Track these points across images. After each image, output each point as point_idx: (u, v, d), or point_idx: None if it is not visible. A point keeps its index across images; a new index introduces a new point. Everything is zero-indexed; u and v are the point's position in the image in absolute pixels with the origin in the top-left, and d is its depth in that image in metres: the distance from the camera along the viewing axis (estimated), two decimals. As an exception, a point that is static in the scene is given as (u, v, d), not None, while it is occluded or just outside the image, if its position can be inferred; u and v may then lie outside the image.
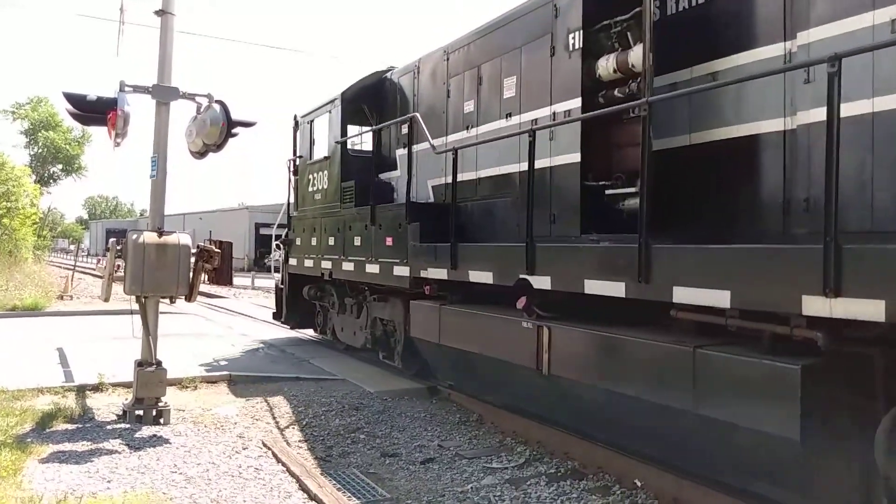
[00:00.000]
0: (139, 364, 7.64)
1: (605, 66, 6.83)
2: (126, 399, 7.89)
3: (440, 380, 9.32)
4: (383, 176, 10.88)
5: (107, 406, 8.06)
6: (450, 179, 8.13)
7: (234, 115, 7.87)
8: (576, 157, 6.85)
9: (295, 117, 13.50)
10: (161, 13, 7.87)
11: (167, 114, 7.89)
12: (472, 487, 5.88)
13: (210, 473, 5.97)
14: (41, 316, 17.97)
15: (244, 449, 6.73)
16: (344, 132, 11.50)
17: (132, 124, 7.74)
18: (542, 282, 6.43)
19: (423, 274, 8.44)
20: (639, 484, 5.70)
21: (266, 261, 57.25)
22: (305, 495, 5.53)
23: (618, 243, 5.81)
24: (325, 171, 11.86)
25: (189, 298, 7.90)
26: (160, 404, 7.56)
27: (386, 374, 10.53)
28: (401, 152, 10.38)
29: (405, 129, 10.16)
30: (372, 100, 11.45)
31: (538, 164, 6.88)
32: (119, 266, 7.70)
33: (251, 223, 64.91)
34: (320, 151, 12.39)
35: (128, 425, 7.32)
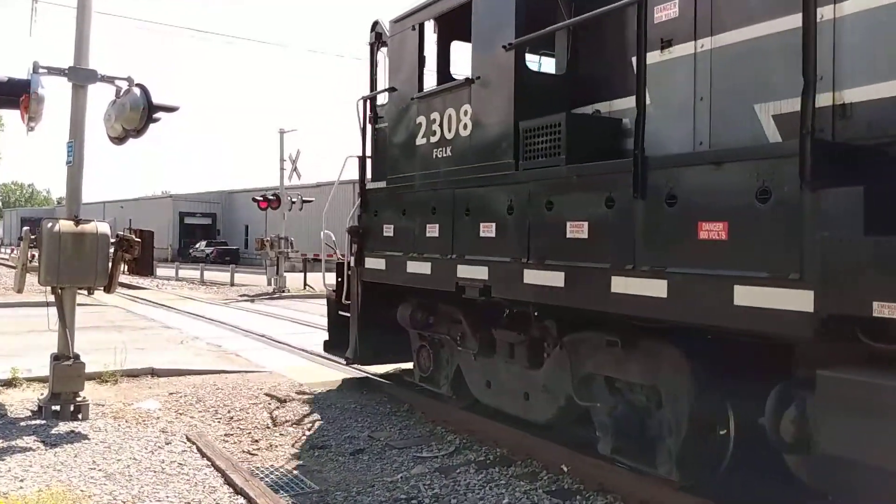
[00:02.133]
0: (55, 358, 7.36)
1: None
2: (42, 394, 7.59)
3: None
4: (591, 109, 6.17)
5: (20, 402, 7.74)
6: (850, 96, 4.25)
7: (156, 100, 7.62)
8: None
9: (375, 26, 8.51)
10: (78, -8, 7.56)
11: (84, 97, 7.60)
12: (401, 477, 5.89)
13: (131, 469, 5.80)
14: (-52, 309, 17.11)
15: (167, 444, 6.55)
16: (520, 29, 6.13)
17: (48, 108, 7.43)
18: None
19: (886, 312, 3.55)
20: (565, 469, 5.81)
21: (191, 251, 56.33)
22: (231, 490, 5.42)
23: None
24: (466, 108, 6.70)
25: (108, 290, 7.65)
26: (78, 399, 7.30)
27: (315, 366, 10.44)
28: (655, 58, 5.33)
29: (668, 12, 5.42)
30: None
31: None
32: (33, 256, 7.40)
33: (175, 212, 63.58)
34: (442, 74, 7.62)
35: (43, 421, 7.04)
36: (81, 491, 5.26)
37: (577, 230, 5.30)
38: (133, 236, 7.74)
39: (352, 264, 8.43)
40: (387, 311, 8.10)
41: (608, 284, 4.96)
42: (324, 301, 10.02)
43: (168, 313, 18.50)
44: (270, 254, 26.59)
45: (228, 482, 5.55)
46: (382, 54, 8.41)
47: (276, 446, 6.78)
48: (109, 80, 7.74)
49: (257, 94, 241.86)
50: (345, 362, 9.06)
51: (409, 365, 8.53)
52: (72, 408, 7.23)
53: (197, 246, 57.28)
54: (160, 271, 32.86)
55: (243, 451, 6.56)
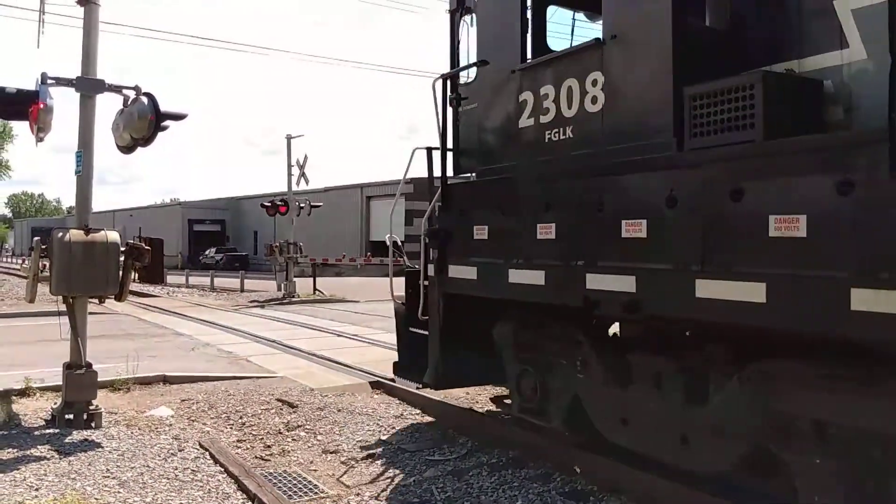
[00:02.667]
0: (68, 367, 7.39)
1: None
2: (55, 403, 7.62)
3: None
4: (782, 69, 4.75)
5: (34, 411, 7.77)
6: None
7: (163, 108, 7.65)
8: None
9: None
10: (84, 3, 7.59)
11: (93, 107, 7.63)
12: (414, 480, 5.88)
13: (145, 477, 5.81)
14: (-38, 319, 17.23)
15: (180, 451, 6.57)
16: None
17: (56, 118, 7.46)
18: None
19: None
20: (578, 471, 5.79)
21: (201, 258, 56.50)
22: (245, 496, 5.43)
23: None
24: (596, 76, 5.38)
25: (119, 298, 7.67)
26: (91, 407, 7.32)
27: (326, 371, 10.44)
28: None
29: None
30: None
31: None
32: (44, 266, 7.44)
33: (184, 220, 63.81)
34: (537, 46, 6.52)
35: (57, 430, 7.06)
36: (96, 499, 5.28)
37: (787, 226, 3.99)
38: (143, 244, 7.75)
39: (430, 273, 7.03)
40: (471, 328, 6.83)
41: (845, 299, 3.69)
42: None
43: (179, 320, 18.56)
44: (280, 259, 26.66)
45: (242, 488, 5.56)
46: (465, 23, 7.00)
47: (289, 451, 6.78)
48: (117, 89, 7.77)
49: (262, 99, 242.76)
50: (418, 387, 7.82)
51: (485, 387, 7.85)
52: (85, 416, 7.26)
53: (207, 252, 57.53)
54: (170, 278, 32.97)
55: (256, 457, 6.56)
